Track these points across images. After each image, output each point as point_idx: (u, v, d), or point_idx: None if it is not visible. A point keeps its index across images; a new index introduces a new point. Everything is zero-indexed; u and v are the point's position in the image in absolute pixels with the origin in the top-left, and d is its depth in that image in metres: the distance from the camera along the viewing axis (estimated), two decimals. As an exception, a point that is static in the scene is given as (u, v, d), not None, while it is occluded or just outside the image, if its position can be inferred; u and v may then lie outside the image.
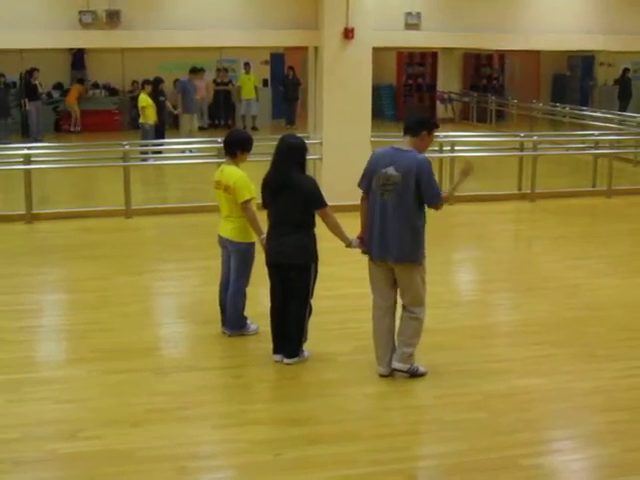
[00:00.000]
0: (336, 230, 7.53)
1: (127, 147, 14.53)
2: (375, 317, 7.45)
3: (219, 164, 13.58)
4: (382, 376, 7.41)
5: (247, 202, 8.02)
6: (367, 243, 7.29)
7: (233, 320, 8.43)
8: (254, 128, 25.65)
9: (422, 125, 7.14)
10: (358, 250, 7.51)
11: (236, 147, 8.21)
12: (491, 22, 15.61)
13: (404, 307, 7.38)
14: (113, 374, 7.57)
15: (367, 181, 7.27)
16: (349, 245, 7.54)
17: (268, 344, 8.02)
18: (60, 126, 25.67)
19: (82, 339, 8.50)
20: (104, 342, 8.34)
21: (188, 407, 6.90)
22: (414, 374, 7.41)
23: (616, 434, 6.52)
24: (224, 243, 8.38)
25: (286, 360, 7.71)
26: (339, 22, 13.80)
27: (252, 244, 8.25)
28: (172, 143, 18.36)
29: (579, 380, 7.50)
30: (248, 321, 8.50)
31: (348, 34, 13.81)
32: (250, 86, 26.21)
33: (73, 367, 7.84)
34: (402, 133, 7.22)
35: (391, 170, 7.01)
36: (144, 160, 16.40)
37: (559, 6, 16.11)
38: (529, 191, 15.73)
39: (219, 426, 6.67)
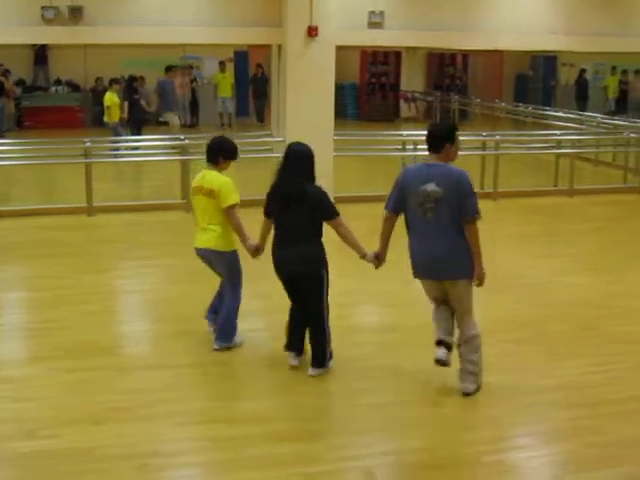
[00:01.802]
0: (350, 240, 7.34)
1: (89, 144, 14.42)
2: (434, 309, 7.25)
3: (182, 161, 13.63)
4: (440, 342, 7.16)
5: (232, 208, 7.74)
6: (413, 264, 7.07)
7: (225, 332, 8.08)
8: (229, 125, 25.69)
9: (443, 139, 6.91)
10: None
11: (219, 154, 7.90)
12: (455, 21, 15.66)
13: (460, 339, 7.16)
14: (74, 372, 7.51)
15: (395, 201, 7.03)
16: (363, 257, 7.36)
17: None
18: (22, 122, 25.46)
19: (43, 337, 8.43)
20: (65, 340, 8.27)
21: (150, 405, 6.86)
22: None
23: (577, 430, 6.57)
24: (207, 256, 8.01)
25: (311, 371, 7.49)
26: (302, 20, 13.79)
27: (236, 251, 7.96)
28: (135, 140, 18.19)
29: (541, 377, 7.54)
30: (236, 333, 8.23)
31: (311, 32, 13.80)
32: (226, 84, 26.21)
33: (34, 365, 7.78)
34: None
35: (432, 186, 6.76)
36: (115, 156, 16.27)
37: (523, 6, 16.20)
38: (491, 190, 15.78)
39: (181, 424, 6.63)
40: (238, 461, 5.99)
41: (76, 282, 10.22)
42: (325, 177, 12.71)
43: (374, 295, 9.75)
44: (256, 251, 7.73)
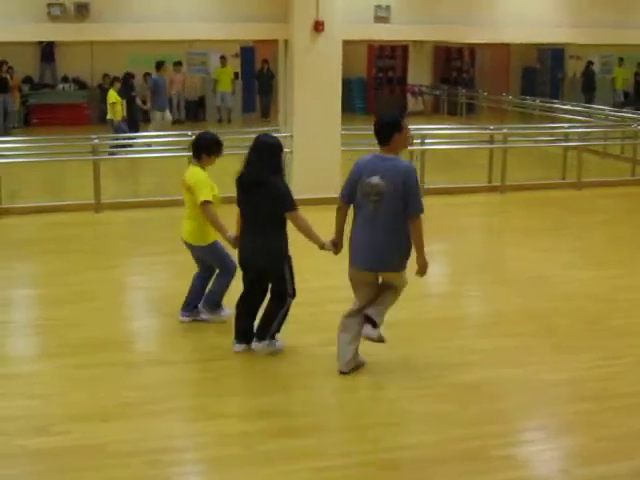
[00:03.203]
0: (308, 233, 7.50)
1: (96, 141, 14.46)
2: (349, 314, 7.36)
3: (189, 157, 13.61)
4: (342, 373, 7.39)
5: (205, 203, 8.04)
6: (351, 252, 7.17)
7: (211, 301, 8.53)
8: (229, 121, 25.68)
9: (388, 130, 6.96)
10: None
11: (201, 150, 8.27)
12: (461, 15, 15.66)
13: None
14: (83, 369, 7.54)
15: (349, 192, 7.13)
16: (322, 247, 7.51)
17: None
18: (29, 120, 25.51)
19: (51, 334, 8.46)
20: (74, 337, 8.29)
21: (159, 401, 6.88)
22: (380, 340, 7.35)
23: (586, 424, 6.58)
24: (187, 246, 8.52)
25: (255, 344, 7.74)
26: (309, 15, 13.79)
27: (213, 242, 8.33)
28: (142, 137, 18.22)
29: (548, 371, 7.55)
30: (225, 307, 8.58)
31: (318, 27, 13.80)
32: (226, 79, 26.25)
33: (42, 362, 7.81)
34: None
35: (376, 179, 6.86)
36: (112, 154, 16.33)
37: (529, -1, 16.22)
38: (499, 183, 15.79)
39: (190, 419, 6.68)
40: (248, 457, 6.01)
41: (84, 278, 10.25)
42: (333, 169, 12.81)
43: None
44: (236, 241, 7.91)
